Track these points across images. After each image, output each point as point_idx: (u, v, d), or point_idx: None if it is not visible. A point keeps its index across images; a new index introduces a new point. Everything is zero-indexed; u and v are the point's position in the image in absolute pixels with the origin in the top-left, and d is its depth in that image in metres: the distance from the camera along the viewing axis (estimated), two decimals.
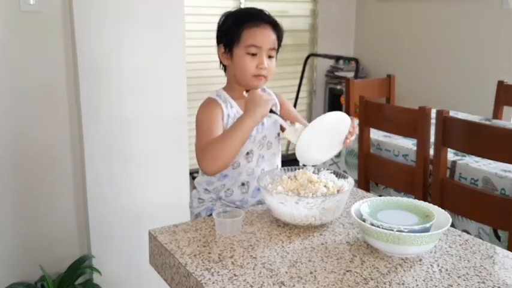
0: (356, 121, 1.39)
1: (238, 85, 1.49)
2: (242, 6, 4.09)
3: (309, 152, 1.34)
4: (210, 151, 1.35)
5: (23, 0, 2.01)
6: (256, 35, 1.43)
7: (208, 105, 1.47)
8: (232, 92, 1.51)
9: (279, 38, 1.49)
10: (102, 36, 2.13)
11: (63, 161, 2.22)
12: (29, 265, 2.19)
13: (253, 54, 1.43)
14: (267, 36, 1.44)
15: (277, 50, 1.50)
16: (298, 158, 1.33)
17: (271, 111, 1.39)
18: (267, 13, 1.49)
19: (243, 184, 1.52)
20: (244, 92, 1.43)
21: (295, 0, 4.64)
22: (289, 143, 1.48)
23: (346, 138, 1.38)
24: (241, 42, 1.44)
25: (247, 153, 1.49)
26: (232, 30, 1.46)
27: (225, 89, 1.53)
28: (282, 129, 1.41)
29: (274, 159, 1.57)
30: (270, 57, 1.46)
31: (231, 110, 1.48)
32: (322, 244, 1.18)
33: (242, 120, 1.35)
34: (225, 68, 1.54)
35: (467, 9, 3.87)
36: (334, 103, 4.76)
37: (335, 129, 1.34)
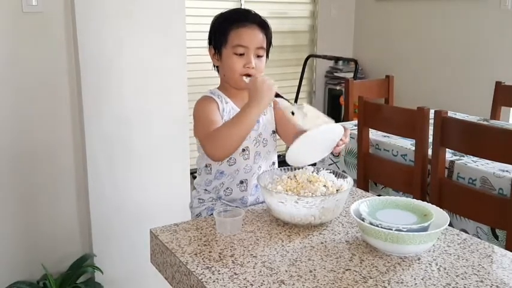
0: (349, 132, 1.41)
1: (229, 85, 1.51)
2: (242, 7, 4.10)
3: (299, 153, 1.36)
4: (217, 137, 1.36)
5: (25, 1, 2.02)
6: (243, 35, 1.44)
7: (204, 101, 1.49)
8: (225, 91, 1.52)
9: (268, 37, 1.49)
10: (103, 37, 2.14)
11: (65, 161, 2.23)
12: (31, 264, 2.20)
13: (241, 54, 1.44)
14: (254, 36, 1.45)
15: (268, 50, 1.51)
16: (288, 157, 1.35)
17: (277, 95, 1.37)
18: (253, 13, 1.50)
19: (241, 182, 1.53)
20: (245, 78, 1.42)
21: (295, 1, 4.66)
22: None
23: (337, 145, 1.39)
24: (228, 43, 1.45)
25: (243, 150, 1.50)
26: (219, 31, 1.48)
27: (218, 88, 1.55)
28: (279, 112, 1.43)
29: (270, 156, 1.59)
30: (258, 56, 1.46)
31: (226, 105, 1.49)
32: (322, 243, 1.19)
33: (248, 108, 1.34)
34: (217, 68, 1.55)
35: (466, 10, 3.88)
36: (333, 104, 4.77)
37: (327, 138, 1.36)
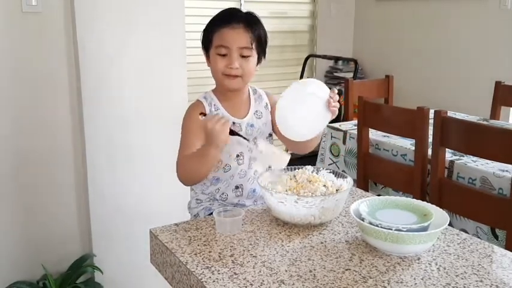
0: (335, 90, 1.38)
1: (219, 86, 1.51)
2: (242, 7, 4.10)
3: (291, 119, 1.35)
4: (183, 169, 1.42)
5: (25, 1, 2.02)
6: (224, 35, 1.43)
7: (192, 110, 1.48)
8: (219, 94, 1.51)
9: (256, 37, 1.45)
10: (103, 37, 2.14)
11: (65, 161, 2.23)
12: (31, 264, 2.20)
13: (224, 55, 1.43)
14: (236, 36, 1.42)
15: (263, 49, 1.49)
16: (282, 129, 1.36)
17: (231, 132, 1.36)
18: (240, 12, 1.47)
19: (236, 187, 1.53)
20: (201, 116, 1.40)
21: (295, 1, 4.65)
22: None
23: (329, 105, 1.34)
24: (213, 44, 1.45)
25: (238, 156, 1.50)
26: (206, 33, 1.48)
27: (214, 90, 1.54)
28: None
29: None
30: (244, 56, 1.44)
31: (216, 113, 1.48)
32: (322, 243, 1.19)
33: (206, 150, 1.36)
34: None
35: (465, 10, 3.88)
36: None
37: (314, 97, 1.35)
